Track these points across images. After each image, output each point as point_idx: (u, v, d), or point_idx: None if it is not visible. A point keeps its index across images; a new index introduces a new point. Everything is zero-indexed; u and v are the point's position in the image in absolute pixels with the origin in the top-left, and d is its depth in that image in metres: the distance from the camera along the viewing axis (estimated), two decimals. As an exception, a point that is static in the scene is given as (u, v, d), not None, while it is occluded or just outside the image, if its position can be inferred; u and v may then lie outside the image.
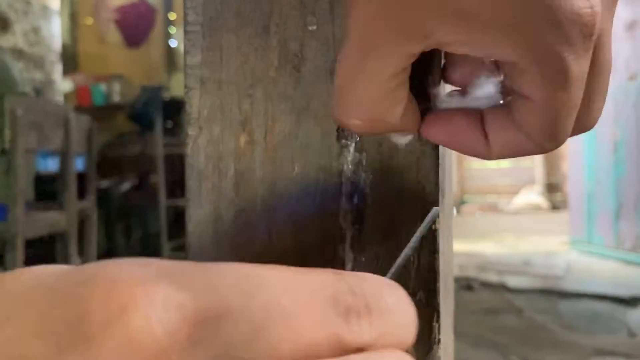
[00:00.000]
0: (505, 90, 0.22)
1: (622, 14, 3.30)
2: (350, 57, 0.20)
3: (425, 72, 0.24)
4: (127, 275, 0.13)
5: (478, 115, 0.23)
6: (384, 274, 0.26)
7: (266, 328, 0.13)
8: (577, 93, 0.20)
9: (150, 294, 0.12)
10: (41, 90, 3.08)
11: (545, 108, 0.20)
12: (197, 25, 0.27)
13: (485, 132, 0.22)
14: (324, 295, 0.14)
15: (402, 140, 0.25)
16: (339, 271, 0.15)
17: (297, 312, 0.13)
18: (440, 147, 0.25)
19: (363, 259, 0.26)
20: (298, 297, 0.14)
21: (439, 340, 0.25)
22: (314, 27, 0.26)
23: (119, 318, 0.12)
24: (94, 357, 0.12)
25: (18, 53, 3.01)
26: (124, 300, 0.12)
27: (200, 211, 0.27)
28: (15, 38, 3.10)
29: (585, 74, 0.20)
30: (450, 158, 0.31)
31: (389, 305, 0.15)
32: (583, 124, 0.22)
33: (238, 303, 0.13)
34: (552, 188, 6.22)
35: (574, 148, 3.70)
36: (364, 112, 0.21)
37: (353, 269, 0.26)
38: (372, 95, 0.20)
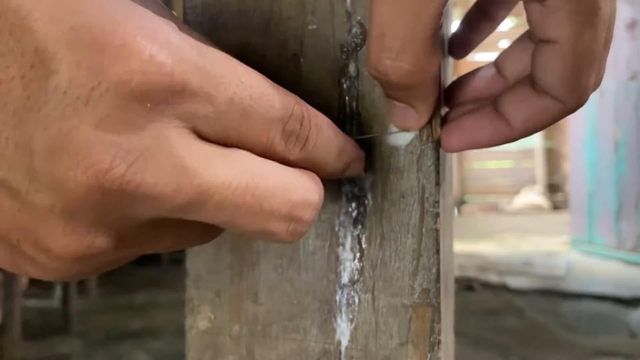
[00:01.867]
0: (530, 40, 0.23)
1: (622, 14, 3.30)
2: None
3: None
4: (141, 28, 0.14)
5: (487, 105, 0.24)
6: (384, 278, 0.26)
7: (225, 114, 0.16)
8: (602, 35, 0.20)
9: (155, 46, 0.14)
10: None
11: (570, 48, 0.20)
12: (197, 25, 0.27)
13: (501, 115, 0.23)
14: (281, 114, 0.18)
15: (402, 140, 0.25)
16: (302, 101, 0.19)
17: (255, 116, 0.17)
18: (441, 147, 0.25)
19: (363, 259, 0.26)
20: (261, 105, 0.17)
21: (440, 341, 0.25)
22: (314, 27, 0.26)
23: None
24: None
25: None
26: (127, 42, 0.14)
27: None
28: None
29: (611, 18, 0.20)
30: (450, 158, 0.31)
31: (322, 142, 0.20)
32: (597, 79, 0.22)
33: (214, 90, 0.16)
34: (553, 188, 6.22)
35: (575, 148, 3.70)
36: (408, 54, 0.20)
37: (353, 270, 0.26)
38: (417, 35, 0.19)
